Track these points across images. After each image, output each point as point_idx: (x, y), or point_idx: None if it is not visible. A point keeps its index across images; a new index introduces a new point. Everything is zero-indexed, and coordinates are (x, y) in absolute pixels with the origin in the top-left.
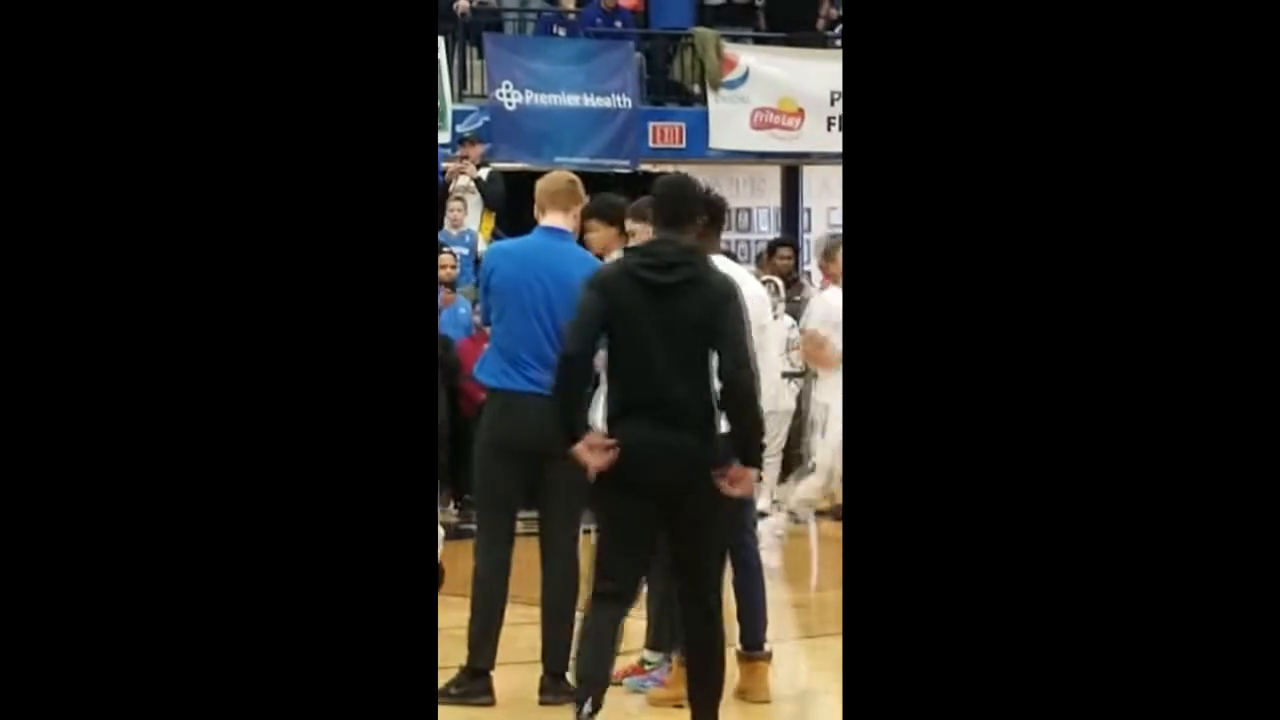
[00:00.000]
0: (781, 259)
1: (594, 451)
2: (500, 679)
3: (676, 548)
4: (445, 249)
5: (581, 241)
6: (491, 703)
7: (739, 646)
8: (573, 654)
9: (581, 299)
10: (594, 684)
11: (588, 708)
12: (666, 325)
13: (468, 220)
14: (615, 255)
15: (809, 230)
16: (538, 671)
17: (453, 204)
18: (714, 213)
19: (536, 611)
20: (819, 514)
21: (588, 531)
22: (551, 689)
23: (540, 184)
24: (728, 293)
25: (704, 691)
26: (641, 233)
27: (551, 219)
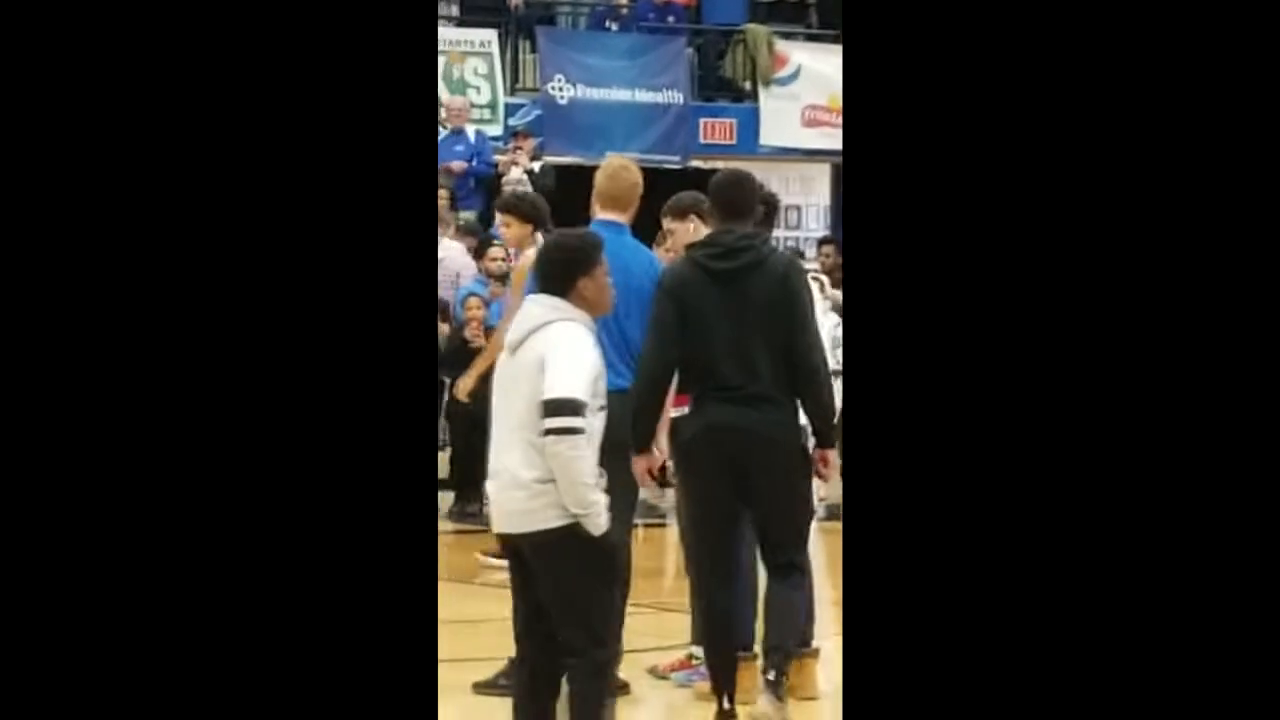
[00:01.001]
0: (825, 256)
1: (647, 473)
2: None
3: (755, 520)
4: (498, 243)
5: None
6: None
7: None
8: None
9: (655, 308)
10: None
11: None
12: (735, 309)
13: None
14: (529, 253)
15: None
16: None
17: None
18: (766, 209)
19: None
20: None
21: (634, 526)
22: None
23: (601, 180)
24: (789, 270)
25: (782, 655)
26: (680, 231)
27: (609, 215)
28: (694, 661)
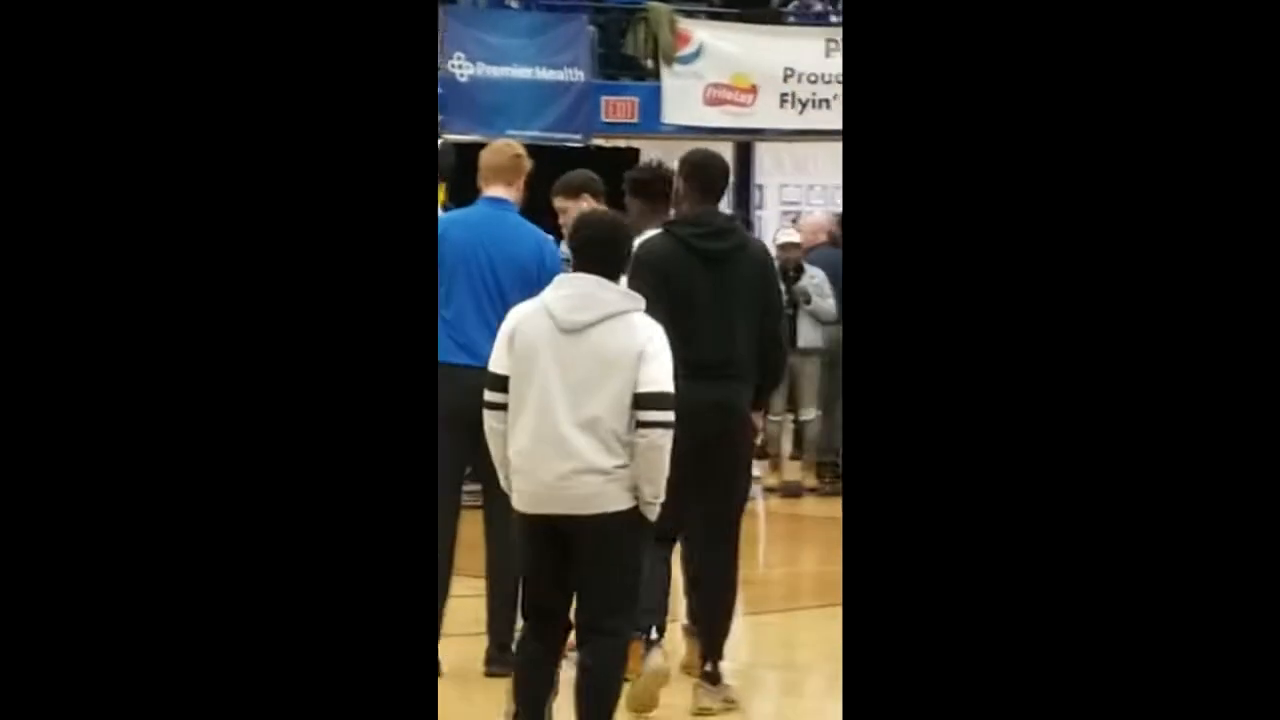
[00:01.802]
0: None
1: None
2: (446, 650)
3: (707, 491)
4: None
5: (549, 217)
6: (437, 673)
7: (686, 621)
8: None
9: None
10: (653, 613)
11: (654, 634)
12: (721, 289)
13: None
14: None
15: (761, 207)
16: (483, 643)
17: None
18: (665, 186)
19: (481, 584)
20: (768, 490)
21: None
22: (498, 660)
23: (484, 155)
24: (768, 258)
25: (721, 622)
26: (573, 209)
27: (495, 190)
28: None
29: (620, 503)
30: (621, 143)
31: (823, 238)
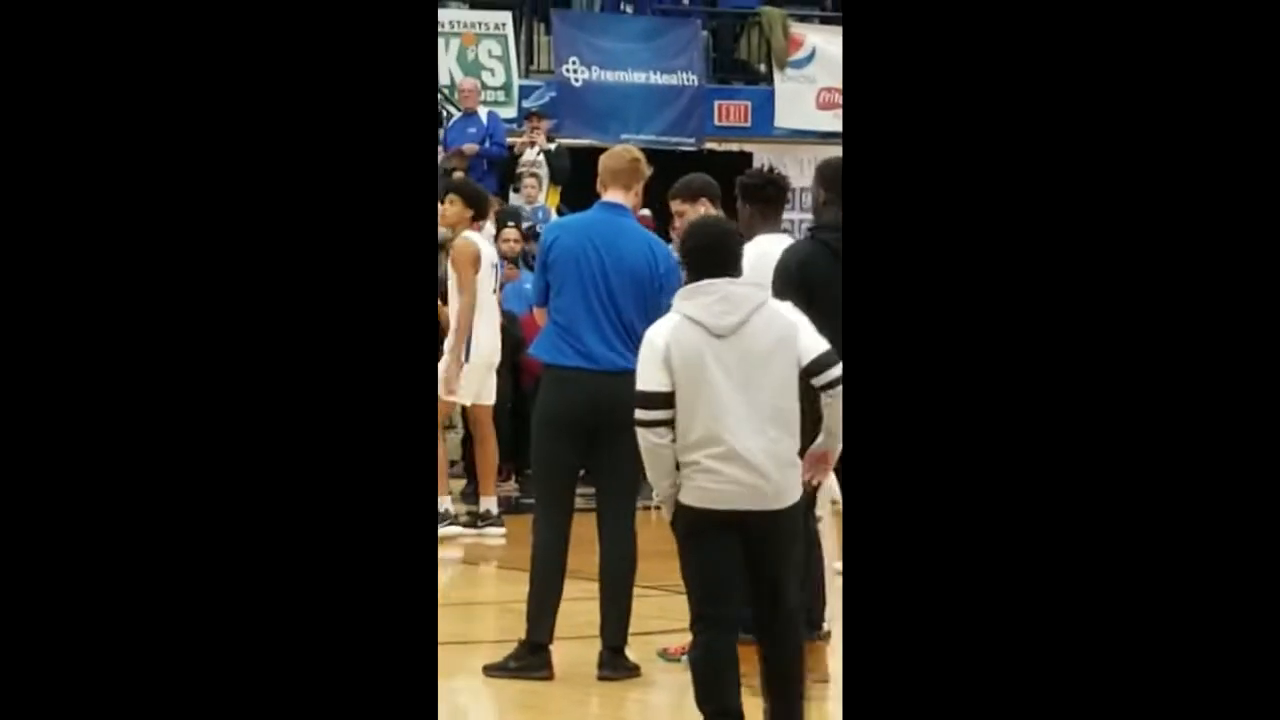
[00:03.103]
0: None
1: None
2: (559, 653)
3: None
4: (512, 224)
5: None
6: (549, 677)
7: None
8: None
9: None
10: None
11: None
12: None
13: (540, 196)
14: (466, 234)
15: None
16: (597, 646)
17: (527, 180)
18: (775, 190)
19: (595, 586)
20: None
21: (646, 507)
22: (610, 664)
23: (603, 159)
24: None
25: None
26: (690, 213)
27: (612, 195)
28: None
29: (799, 490)
30: (734, 147)
31: None
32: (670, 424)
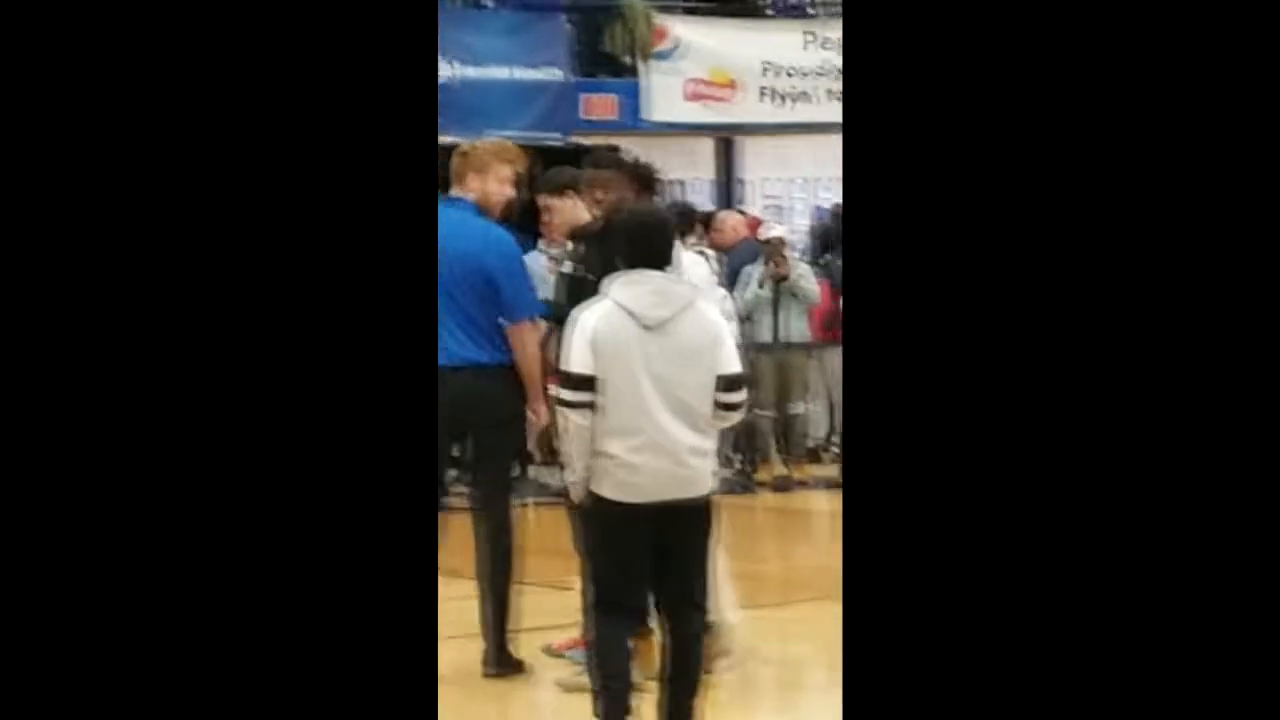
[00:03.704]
0: (718, 230)
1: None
2: (442, 653)
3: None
4: None
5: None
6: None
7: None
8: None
9: None
10: None
11: None
12: None
13: None
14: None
15: (744, 202)
16: (480, 644)
17: None
18: (646, 182)
19: (474, 585)
20: (759, 485)
21: (523, 504)
22: (495, 661)
23: (453, 158)
24: None
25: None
26: (557, 207)
27: (453, 190)
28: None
29: (709, 485)
30: (602, 140)
31: (744, 233)
32: (592, 406)
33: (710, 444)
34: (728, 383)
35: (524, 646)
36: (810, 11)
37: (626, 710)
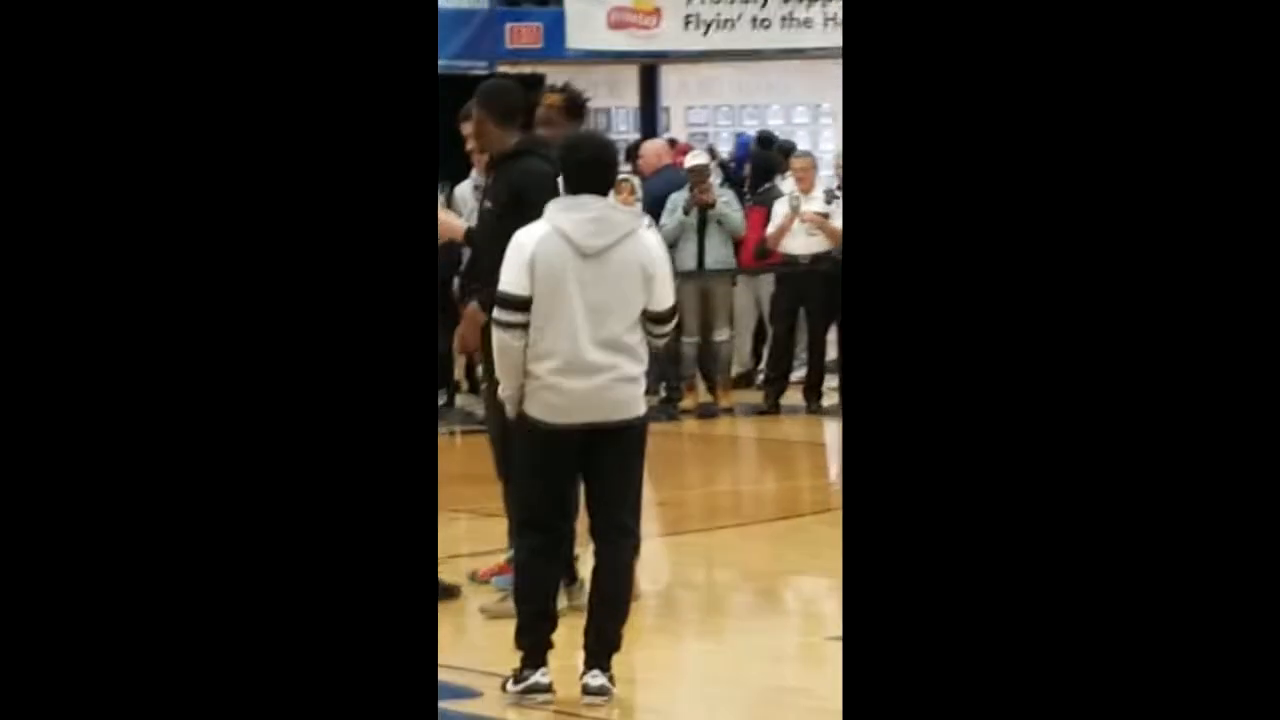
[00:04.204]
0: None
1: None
2: None
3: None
4: None
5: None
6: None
7: None
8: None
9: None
10: None
11: None
12: None
13: None
14: None
15: (668, 130)
16: None
17: None
18: (574, 108)
19: None
20: (684, 412)
21: (450, 432)
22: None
23: None
24: None
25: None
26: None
27: None
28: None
29: (641, 409)
30: (527, 69)
31: (666, 159)
32: (525, 327)
33: (638, 368)
34: (657, 317)
35: (450, 573)
36: None
37: (548, 644)
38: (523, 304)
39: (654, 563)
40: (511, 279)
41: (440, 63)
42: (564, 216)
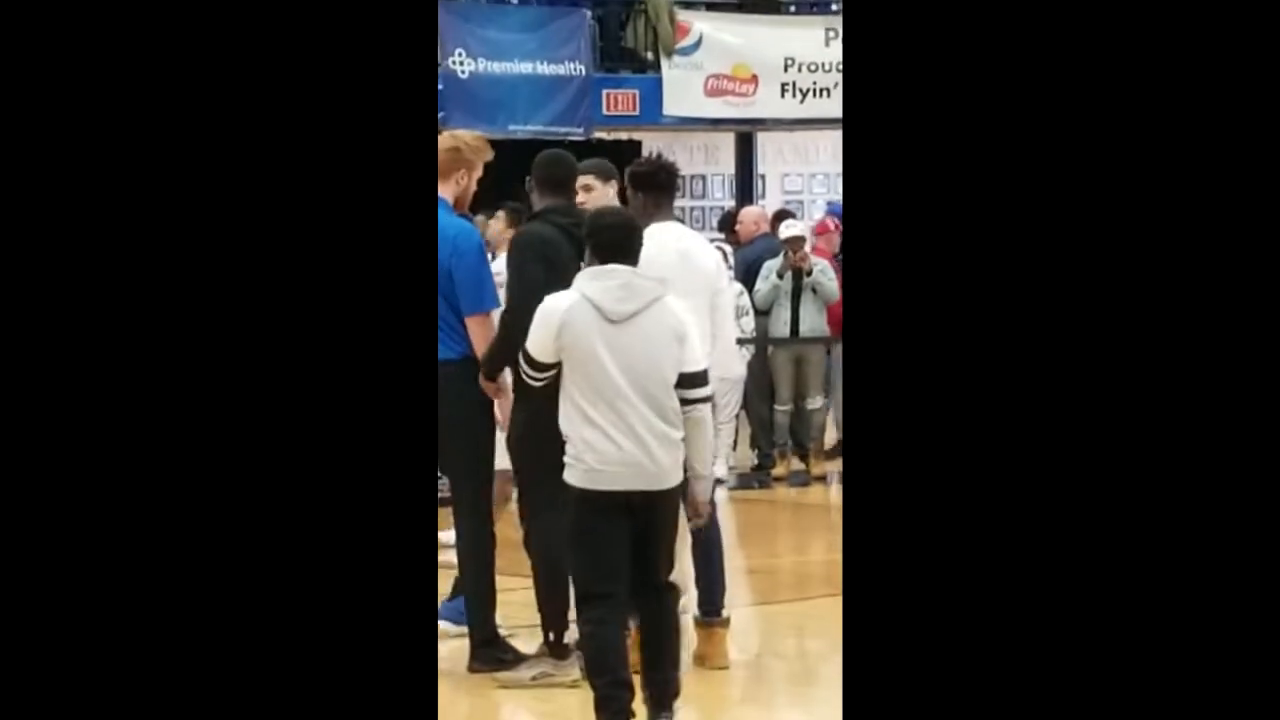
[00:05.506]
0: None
1: None
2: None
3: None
4: None
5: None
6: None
7: (697, 613)
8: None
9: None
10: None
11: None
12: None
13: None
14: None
15: (764, 197)
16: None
17: None
18: (666, 177)
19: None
20: (775, 480)
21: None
22: (481, 656)
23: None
24: None
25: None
26: (599, 191)
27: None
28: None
29: (680, 476)
30: (623, 135)
31: (764, 227)
32: (549, 376)
33: (677, 435)
34: (690, 379)
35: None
36: (833, 7)
37: (630, 712)
38: (546, 368)
39: (744, 632)
40: (538, 343)
41: (536, 128)
42: (592, 285)
